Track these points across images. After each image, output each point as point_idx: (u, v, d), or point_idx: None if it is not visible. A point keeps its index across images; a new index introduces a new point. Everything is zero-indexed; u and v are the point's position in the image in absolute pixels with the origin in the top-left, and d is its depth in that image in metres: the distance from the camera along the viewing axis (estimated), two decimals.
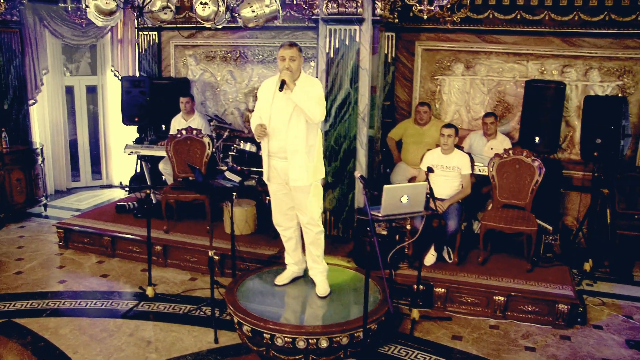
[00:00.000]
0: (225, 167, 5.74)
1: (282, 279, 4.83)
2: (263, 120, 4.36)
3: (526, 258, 5.47)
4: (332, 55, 5.79)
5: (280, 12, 5.01)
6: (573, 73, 6.71)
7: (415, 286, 4.93)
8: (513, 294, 4.92)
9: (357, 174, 3.78)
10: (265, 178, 4.55)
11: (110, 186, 7.01)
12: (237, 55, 8.10)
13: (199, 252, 5.84)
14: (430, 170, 4.74)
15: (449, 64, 7.18)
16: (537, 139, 6.28)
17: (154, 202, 6.75)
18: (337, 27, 5.70)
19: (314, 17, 5.93)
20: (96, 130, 9.09)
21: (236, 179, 4.75)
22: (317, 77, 6.18)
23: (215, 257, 4.51)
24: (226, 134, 7.15)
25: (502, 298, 4.92)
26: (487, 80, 7.08)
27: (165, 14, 4.73)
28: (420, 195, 4.04)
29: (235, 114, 8.25)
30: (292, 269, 4.86)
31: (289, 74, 4.13)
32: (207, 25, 4.78)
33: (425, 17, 5.01)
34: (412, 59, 7.29)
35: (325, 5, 5.62)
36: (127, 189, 7.59)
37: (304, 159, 4.28)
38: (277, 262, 5.35)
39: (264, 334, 4.13)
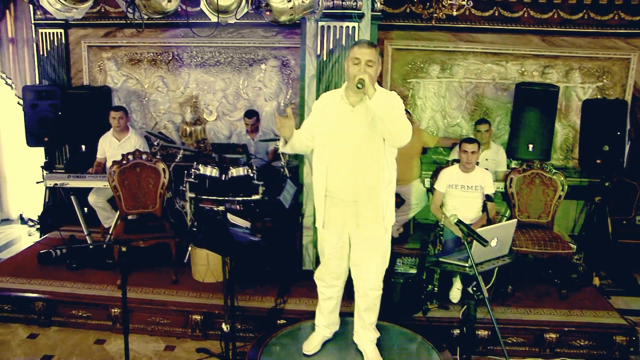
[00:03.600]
0: (222, 207, 4.48)
1: (312, 346, 3.75)
2: (319, 143, 3.34)
3: (556, 284, 4.96)
4: (324, 58, 4.79)
5: (322, 1, 3.87)
6: (554, 74, 6.36)
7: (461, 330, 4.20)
8: (566, 329, 4.33)
9: (453, 219, 2.86)
10: (319, 224, 3.42)
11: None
12: (170, 58, 6.76)
13: (171, 313, 4.56)
14: (489, 199, 3.95)
15: (422, 65, 6.49)
16: (530, 146, 5.82)
17: (90, 247, 5.33)
18: (332, 23, 4.69)
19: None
20: None
21: (244, 224, 3.56)
22: (302, 84, 5.17)
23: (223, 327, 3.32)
24: (179, 155, 5.80)
25: (554, 335, 4.31)
26: (465, 82, 6.49)
27: (170, 1, 3.35)
28: (509, 236, 3.24)
29: (169, 127, 6.91)
30: (322, 333, 3.80)
31: (369, 76, 3.08)
32: (214, 19, 3.52)
33: (454, 13, 4.21)
34: (382, 60, 6.48)
35: None
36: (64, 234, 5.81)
37: (380, 199, 3.27)
38: (289, 319, 4.30)
39: None
